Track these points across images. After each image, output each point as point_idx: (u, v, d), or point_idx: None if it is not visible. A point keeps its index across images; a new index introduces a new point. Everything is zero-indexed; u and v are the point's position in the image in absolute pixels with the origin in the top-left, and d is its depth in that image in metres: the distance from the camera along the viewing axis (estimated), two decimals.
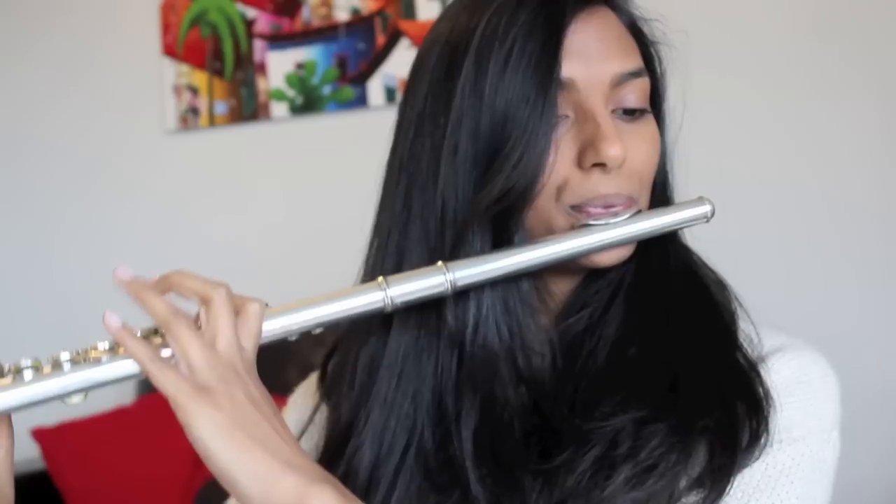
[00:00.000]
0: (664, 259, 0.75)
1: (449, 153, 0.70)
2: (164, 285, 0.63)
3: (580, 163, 0.69)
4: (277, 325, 0.65)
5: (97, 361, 0.61)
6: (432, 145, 0.71)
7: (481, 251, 0.69)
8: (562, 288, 0.76)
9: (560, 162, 0.69)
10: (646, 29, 0.76)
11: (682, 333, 0.72)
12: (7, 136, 2.93)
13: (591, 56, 0.70)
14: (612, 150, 0.67)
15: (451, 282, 0.67)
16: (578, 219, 0.70)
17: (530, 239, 0.71)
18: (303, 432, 0.83)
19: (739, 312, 0.75)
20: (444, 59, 0.72)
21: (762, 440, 0.67)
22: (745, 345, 0.73)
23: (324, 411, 0.82)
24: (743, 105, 2.20)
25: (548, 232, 0.71)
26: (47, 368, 0.61)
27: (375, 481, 0.73)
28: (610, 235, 0.70)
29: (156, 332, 0.63)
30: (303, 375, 0.89)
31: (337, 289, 0.67)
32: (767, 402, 0.68)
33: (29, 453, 2.41)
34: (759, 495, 0.66)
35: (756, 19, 2.21)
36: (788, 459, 0.68)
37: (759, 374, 0.70)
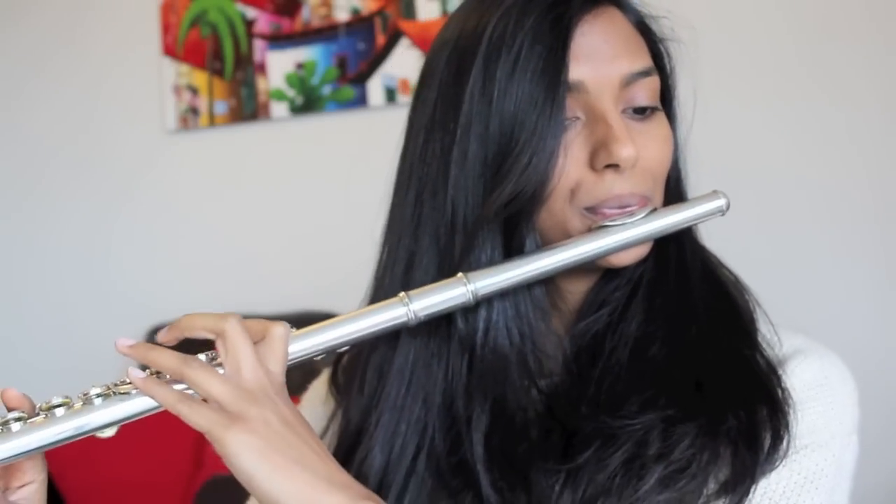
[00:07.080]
0: (681, 256, 0.76)
1: (459, 158, 0.70)
2: (177, 332, 0.64)
3: (592, 164, 0.69)
4: (303, 346, 0.65)
5: (127, 395, 0.62)
6: (442, 150, 0.71)
7: (492, 256, 0.70)
8: (576, 288, 0.76)
9: (572, 164, 0.68)
10: (654, 26, 0.76)
11: (703, 332, 0.72)
12: (6, 136, 2.92)
13: (599, 57, 0.69)
14: (624, 151, 0.67)
15: (472, 292, 0.68)
16: (594, 220, 0.70)
17: (545, 241, 0.71)
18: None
19: (759, 314, 0.75)
20: (452, 64, 0.72)
21: (784, 443, 0.67)
22: (765, 347, 0.73)
23: (338, 417, 0.82)
24: (757, 101, 2.17)
25: (563, 234, 0.71)
26: (78, 405, 0.62)
27: (386, 485, 0.73)
28: (627, 235, 0.70)
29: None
30: (305, 375, 0.89)
31: (360, 307, 0.68)
32: (787, 405, 0.68)
33: None
34: (786, 503, 0.66)
35: (765, 16, 2.20)
36: (813, 465, 0.68)
37: (778, 377, 0.70)
